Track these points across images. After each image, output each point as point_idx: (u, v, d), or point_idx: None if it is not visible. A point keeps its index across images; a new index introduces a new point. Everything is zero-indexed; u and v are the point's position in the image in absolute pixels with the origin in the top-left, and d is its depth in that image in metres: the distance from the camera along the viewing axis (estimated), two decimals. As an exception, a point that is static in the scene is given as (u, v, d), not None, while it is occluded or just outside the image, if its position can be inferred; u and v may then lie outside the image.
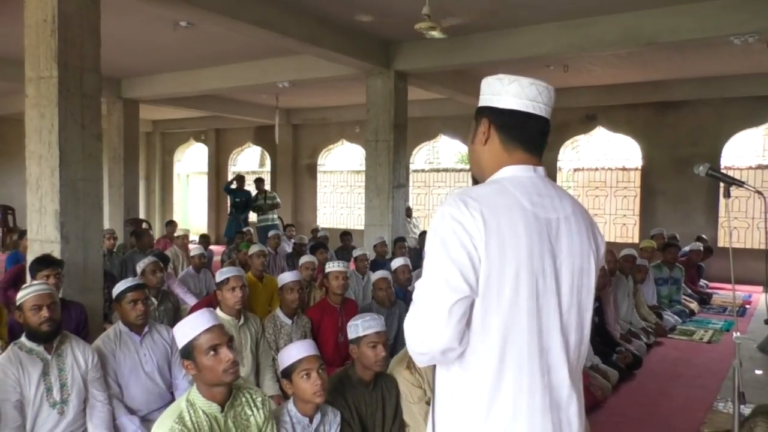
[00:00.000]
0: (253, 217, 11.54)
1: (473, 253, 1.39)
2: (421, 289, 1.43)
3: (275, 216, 11.25)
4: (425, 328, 1.40)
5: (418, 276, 1.50)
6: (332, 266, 4.71)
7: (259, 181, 11.39)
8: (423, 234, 9.18)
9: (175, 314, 4.87)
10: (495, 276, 1.40)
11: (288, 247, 8.97)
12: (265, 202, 10.96)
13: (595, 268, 1.58)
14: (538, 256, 1.44)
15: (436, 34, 5.28)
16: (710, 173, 2.50)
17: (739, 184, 2.47)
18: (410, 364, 3.12)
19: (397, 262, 5.63)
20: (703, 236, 9.84)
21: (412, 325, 1.43)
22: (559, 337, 1.48)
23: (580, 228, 1.54)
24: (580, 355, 1.57)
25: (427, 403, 3.03)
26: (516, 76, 1.56)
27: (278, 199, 11.41)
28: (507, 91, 1.54)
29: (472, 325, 1.42)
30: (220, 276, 3.91)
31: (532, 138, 1.56)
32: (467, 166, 13.82)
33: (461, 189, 1.54)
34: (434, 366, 1.57)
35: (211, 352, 2.18)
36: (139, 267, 4.91)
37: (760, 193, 2.63)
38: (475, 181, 1.66)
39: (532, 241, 1.44)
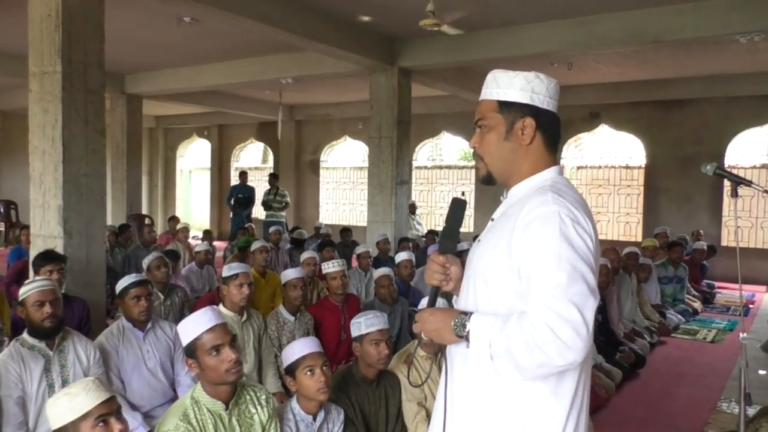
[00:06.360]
0: (261, 213, 11.48)
1: (595, 258, 1.39)
2: (557, 293, 1.29)
3: (284, 213, 11.19)
4: (573, 336, 1.25)
5: (422, 273, 1.46)
6: (329, 267, 4.58)
7: (273, 177, 11.35)
8: (431, 233, 9.12)
9: (183, 308, 4.84)
10: None
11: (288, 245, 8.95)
12: (275, 198, 10.92)
13: None
14: None
15: (449, 30, 5.14)
16: (718, 172, 2.47)
17: (747, 183, 2.44)
18: (411, 362, 3.10)
19: (401, 256, 5.62)
20: (699, 231, 9.80)
21: (551, 334, 1.26)
22: None
23: None
24: None
25: (419, 404, 3.02)
26: (546, 75, 1.53)
27: (288, 198, 11.33)
28: (547, 92, 1.51)
29: None
30: (228, 271, 3.81)
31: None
32: (470, 163, 13.77)
33: (549, 188, 1.43)
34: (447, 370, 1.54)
35: (214, 352, 2.16)
36: (145, 263, 4.88)
37: (768, 192, 2.60)
38: (488, 180, 1.57)
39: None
